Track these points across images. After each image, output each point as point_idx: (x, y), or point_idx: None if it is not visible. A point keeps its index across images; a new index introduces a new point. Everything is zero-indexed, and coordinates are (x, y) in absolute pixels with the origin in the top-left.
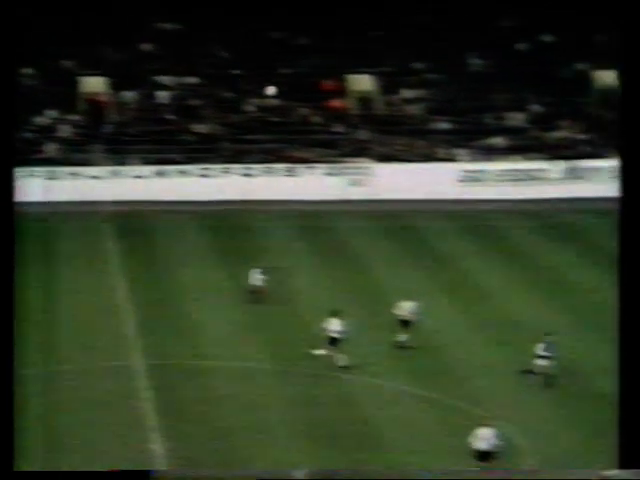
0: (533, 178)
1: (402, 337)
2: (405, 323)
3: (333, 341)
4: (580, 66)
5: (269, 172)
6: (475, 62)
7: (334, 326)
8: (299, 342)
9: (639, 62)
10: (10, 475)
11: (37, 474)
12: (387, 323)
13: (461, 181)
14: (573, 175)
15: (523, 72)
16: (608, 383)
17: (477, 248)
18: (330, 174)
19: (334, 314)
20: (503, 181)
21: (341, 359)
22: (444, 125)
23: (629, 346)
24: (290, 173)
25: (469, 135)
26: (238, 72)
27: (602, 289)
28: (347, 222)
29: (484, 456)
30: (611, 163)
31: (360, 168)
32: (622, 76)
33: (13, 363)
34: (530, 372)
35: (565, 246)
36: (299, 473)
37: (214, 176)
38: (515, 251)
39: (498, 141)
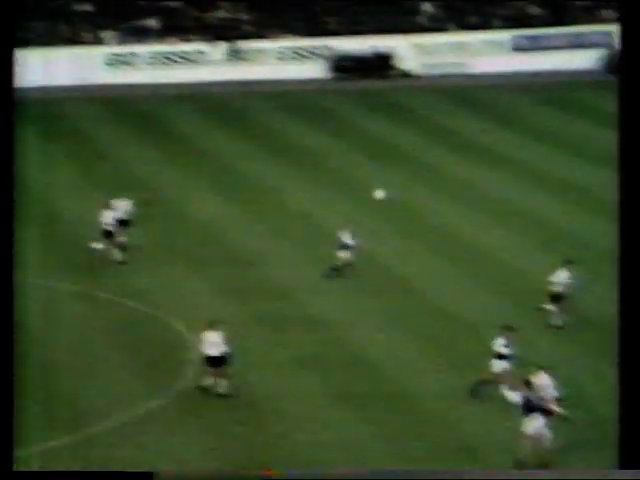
0: (191, 61)
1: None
2: (123, 223)
3: (107, 234)
4: None
5: None
6: None
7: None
8: None
9: None
10: (10, 475)
11: (37, 474)
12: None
13: (109, 65)
14: (235, 57)
15: None
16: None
17: (134, 135)
18: None
19: (106, 206)
20: (157, 64)
21: (116, 254)
22: (87, 7)
23: (629, 346)
24: None
25: (117, 17)
26: None
27: (268, 176)
28: None
29: (215, 362)
30: (276, 44)
31: None
32: None
33: (13, 358)
34: (335, 269)
35: (231, 130)
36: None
37: None
38: (177, 136)
39: (151, 23)
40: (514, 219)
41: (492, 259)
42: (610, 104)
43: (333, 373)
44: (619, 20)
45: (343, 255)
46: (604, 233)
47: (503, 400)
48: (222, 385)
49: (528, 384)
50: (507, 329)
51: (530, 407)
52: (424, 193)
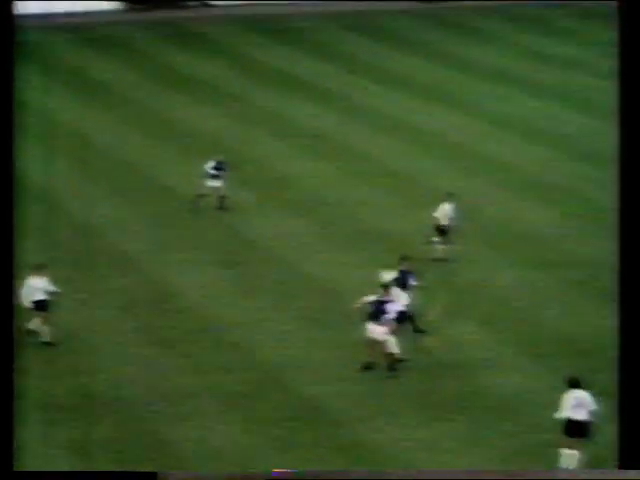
0: None
1: None
2: None
3: None
4: None
5: None
6: None
7: None
8: None
9: None
10: (10, 475)
11: (37, 474)
12: None
13: None
14: None
15: None
16: None
17: None
18: None
19: None
20: None
21: None
22: None
23: (629, 344)
24: None
25: None
26: None
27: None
28: None
29: (41, 307)
30: None
31: None
32: None
33: (14, 357)
34: (201, 196)
35: (26, 64)
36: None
37: None
38: None
39: None
40: (321, 147)
41: (302, 188)
42: (422, 34)
43: (142, 310)
44: None
45: (211, 184)
46: (434, 170)
47: (313, 329)
48: (46, 332)
49: (383, 292)
50: (404, 259)
51: (378, 313)
52: (230, 125)
